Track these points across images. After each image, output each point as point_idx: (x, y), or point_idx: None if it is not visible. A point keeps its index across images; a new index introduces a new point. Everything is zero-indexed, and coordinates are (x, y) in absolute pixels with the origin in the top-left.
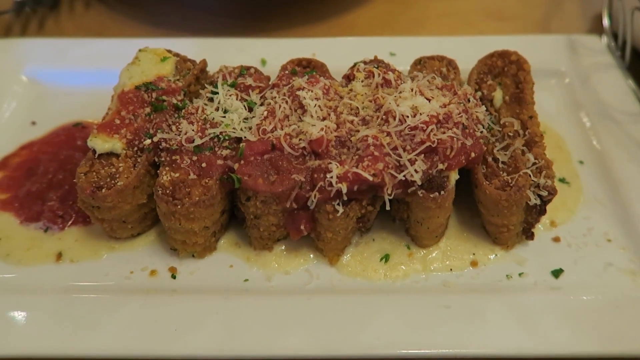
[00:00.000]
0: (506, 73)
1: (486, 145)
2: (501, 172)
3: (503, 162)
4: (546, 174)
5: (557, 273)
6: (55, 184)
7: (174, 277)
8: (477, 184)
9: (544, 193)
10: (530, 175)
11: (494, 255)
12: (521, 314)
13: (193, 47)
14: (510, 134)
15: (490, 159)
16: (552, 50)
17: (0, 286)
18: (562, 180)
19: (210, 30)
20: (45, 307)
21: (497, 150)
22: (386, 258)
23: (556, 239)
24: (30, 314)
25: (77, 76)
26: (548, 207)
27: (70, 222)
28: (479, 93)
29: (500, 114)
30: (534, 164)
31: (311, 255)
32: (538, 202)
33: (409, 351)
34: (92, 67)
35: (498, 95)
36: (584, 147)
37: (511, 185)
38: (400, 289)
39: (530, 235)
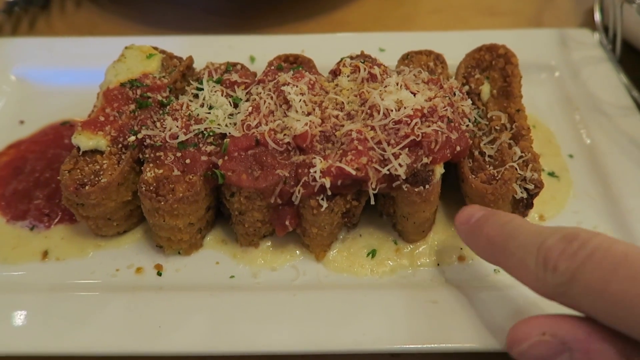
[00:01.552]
0: (494, 67)
1: (473, 139)
2: (487, 166)
3: (490, 156)
4: (533, 167)
5: None
6: (42, 182)
7: (159, 274)
8: (463, 177)
9: (531, 186)
10: (516, 169)
11: None
12: (508, 308)
13: (182, 45)
14: (497, 128)
15: (476, 153)
16: (542, 44)
17: None
18: (551, 174)
19: (201, 28)
20: (31, 305)
21: (484, 144)
22: (373, 253)
23: None
24: (16, 312)
25: (65, 75)
26: (537, 201)
27: (56, 221)
28: (467, 87)
29: (488, 108)
30: (521, 157)
31: (297, 252)
32: (525, 195)
33: (395, 346)
34: (81, 66)
35: (485, 89)
36: (573, 141)
37: (497, 178)
38: (387, 284)
39: None
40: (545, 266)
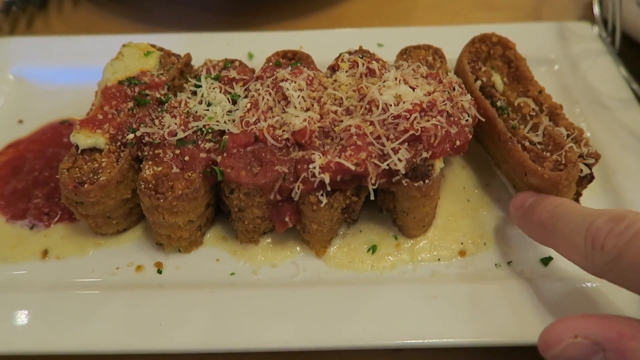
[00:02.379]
0: (494, 56)
1: (512, 130)
2: (544, 153)
3: (539, 143)
4: (585, 142)
5: (546, 261)
6: (41, 181)
7: (160, 272)
8: (528, 170)
9: (591, 160)
10: (574, 148)
11: (482, 244)
12: (510, 302)
13: (180, 43)
14: (532, 114)
15: (527, 144)
16: (541, 37)
17: None
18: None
19: (199, 25)
20: (31, 304)
21: (528, 133)
22: (373, 249)
23: None
24: (16, 311)
25: (64, 74)
26: None
27: (56, 219)
28: (479, 82)
29: (508, 97)
30: (568, 135)
31: (298, 248)
32: (588, 171)
33: (396, 342)
34: (79, 65)
35: (497, 79)
36: None
37: (563, 163)
38: (387, 279)
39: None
40: (593, 245)
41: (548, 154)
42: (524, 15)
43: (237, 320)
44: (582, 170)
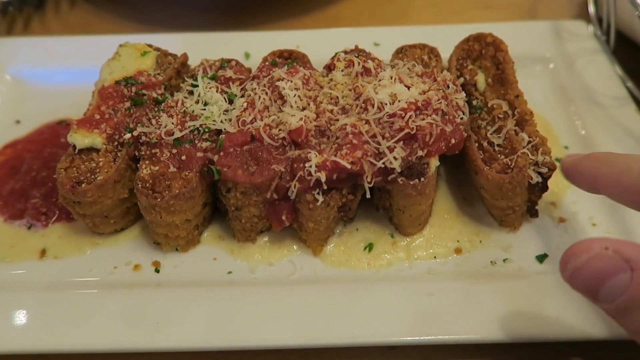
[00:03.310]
0: (484, 55)
1: (478, 130)
2: (499, 155)
3: (498, 145)
4: (543, 151)
5: (541, 258)
6: (38, 181)
7: (157, 271)
8: (478, 170)
9: (544, 170)
10: (528, 154)
11: (478, 241)
12: (506, 299)
13: (177, 42)
14: (500, 116)
15: (485, 144)
16: (537, 36)
17: None
18: (558, 160)
19: (195, 25)
20: (29, 304)
21: (491, 134)
22: (370, 247)
23: (541, 224)
24: (14, 311)
25: (61, 74)
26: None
27: (53, 219)
28: (461, 79)
29: (486, 97)
30: (529, 142)
31: (294, 247)
32: (539, 179)
33: (392, 339)
34: (76, 65)
35: (481, 79)
36: (569, 133)
37: (511, 167)
38: (384, 277)
39: (534, 213)
40: None
41: (503, 156)
42: (519, 14)
43: (235, 318)
44: (532, 178)
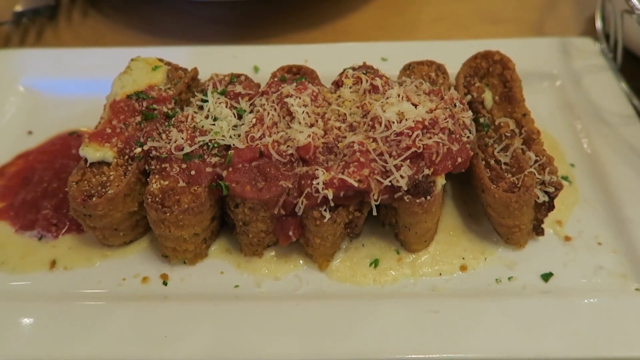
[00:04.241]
0: (492, 73)
1: (485, 148)
2: (506, 174)
3: (505, 163)
4: (550, 170)
5: (546, 277)
6: (49, 192)
7: (165, 283)
8: (484, 188)
9: (551, 189)
10: (535, 174)
11: (483, 259)
12: (510, 318)
13: (187, 55)
14: (507, 134)
15: (492, 162)
16: (544, 53)
17: None
18: (565, 178)
19: (206, 38)
20: (38, 315)
21: (497, 152)
22: (375, 263)
23: (547, 242)
24: (23, 321)
25: (73, 85)
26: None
27: (64, 230)
28: (469, 96)
29: (493, 115)
30: (536, 161)
31: (301, 261)
32: (546, 198)
33: (397, 356)
34: (88, 76)
35: (488, 97)
36: (575, 150)
37: (518, 186)
38: (389, 294)
39: (540, 232)
40: None
41: (510, 175)
42: (527, 29)
43: (241, 332)
44: (539, 197)
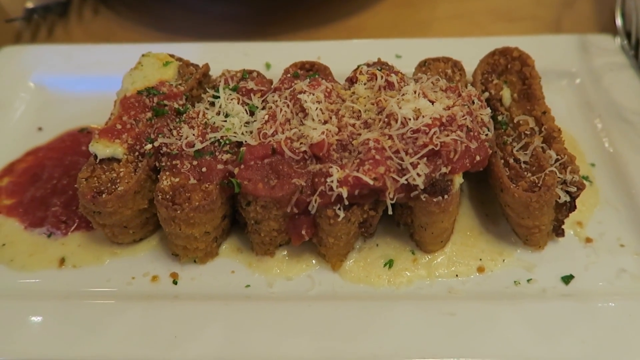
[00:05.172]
0: (510, 70)
1: (504, 146)
2: (526, 173)
3: (525, 162)
4: (571, 169)
5: (567, 279)
6: (59, 189)
7: (175, 282)
8: (503, 187)
9: (573, 189)
10: (556, 173)
11: (501, 260)
12: (529, 321)
13: (198, 52)
14: (527, 132)
15: (511, 161)
16: (562, 50)
17: (4, 291)
18: (585, 178)
19: (217, 34)
20: (47, 313)
21: (517, 151)
22: (390, 264)
23: (567, 244)
24: (32, 319)
25: (83, 82)
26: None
27: (73, 228)
28: (486, 94)
29: (512, 113)
30: (557, 160)
31: (313, 261)
32: (567, 198)
33: None
34: (98, 73)
35: (506, 94)
36: (595, 149)
37: (539, 185)
38: (404, 295)
39: (561, 233)
40: None
41: (530, 174)
42: (544, 27)
43: (252, 333)
44: (560, 197)
